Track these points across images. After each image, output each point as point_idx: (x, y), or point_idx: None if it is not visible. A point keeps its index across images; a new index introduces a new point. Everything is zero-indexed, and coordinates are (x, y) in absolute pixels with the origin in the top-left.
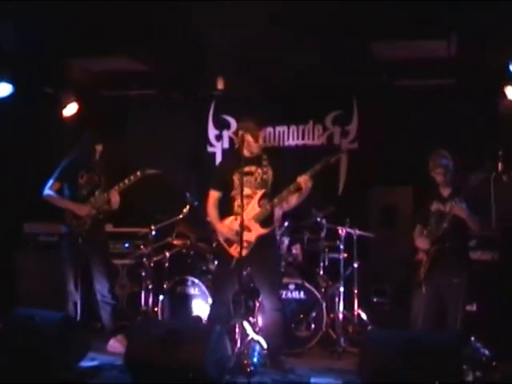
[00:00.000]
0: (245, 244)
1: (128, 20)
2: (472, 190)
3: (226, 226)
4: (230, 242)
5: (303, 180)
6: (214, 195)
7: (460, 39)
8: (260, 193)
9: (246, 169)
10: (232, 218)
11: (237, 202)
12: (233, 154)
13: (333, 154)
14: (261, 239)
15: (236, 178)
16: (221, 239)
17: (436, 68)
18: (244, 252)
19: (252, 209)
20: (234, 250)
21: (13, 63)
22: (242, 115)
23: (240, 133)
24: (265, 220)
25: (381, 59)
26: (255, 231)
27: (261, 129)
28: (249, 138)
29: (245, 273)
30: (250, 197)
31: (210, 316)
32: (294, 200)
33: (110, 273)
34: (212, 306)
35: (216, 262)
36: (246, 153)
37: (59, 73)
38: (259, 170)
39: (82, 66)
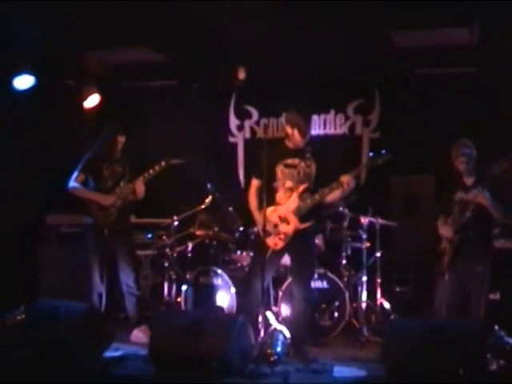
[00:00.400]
0: (282, 236)
1: (148, 10)
2: (495, 179)
3: (264, 218)
4: (266, 233)
5: (346, 180)
6: (255, 184)
7: (482, 27)
8: (302, 187)
9: (290, 161)
10: (271, 208)
11: (279, 194)
12: (278, 145)
13: (380, 156)
14: (298, 233)
15: (279, 169)
16: (258, 229)
17: (458, 56)
18: (280, 244)
19: (292, 202)
20: (270, 241)
21: (34, 55)
22: (289, 109)
23: (288, 127)
24: (304, 214)
25: (403, 47)
26: (293, 224)
27: (308, 123)
28: (295, 132)
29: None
30: (291, 190)
31: (239, 305)
32: (335, 196)
33: (135, 263)
34: (242, 296)
35: (239, 253)
36: (290, 145)
37: (80, 65)
38: (302, 163)
39: (103, 58)
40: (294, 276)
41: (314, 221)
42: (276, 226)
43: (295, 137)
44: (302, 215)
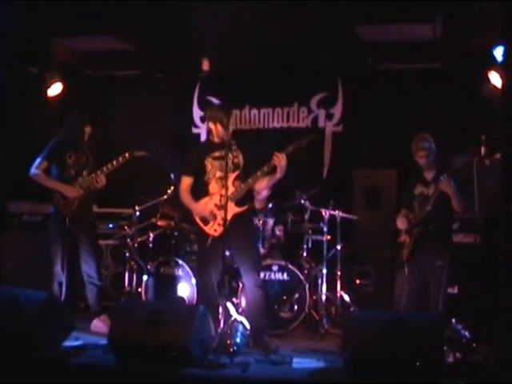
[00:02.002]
0: (220, 222)
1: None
2: (455, 172)
3: (201, 205)
4: (205, 221)
5: (277, 158)
6: (186, 181)
7: (445, 23)
8: (233, 175)
9: (217, 154)
10: (206, 198)
11: (211, 185)
12: (203, 140)
13: (304, 137)
14: (236, 218)
15: (208, 163)
16: (196, 219)
17: (421, 52)
18: (219, 230)
19: (226, 189)
20: (209, 229)
21: None
22: (210, 106)
23: (210, 123)
24: (240, 199)
25: (366, 42)
26: (230, 210)
27: (230, 116)
28: (218, 127)
29: (228, 253)
30: (223, 179)
31: (197, 296)
32: (267, 180)
33: (97, 253)
34: (198, 287)
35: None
36: (216, 139)
37: (44, 52)
38: (230, 155)
39: (68, 46)
40: (240, 264)
41: (250, 204)
42: (213, 213)
43: (219, 131)
44: (237, 200)
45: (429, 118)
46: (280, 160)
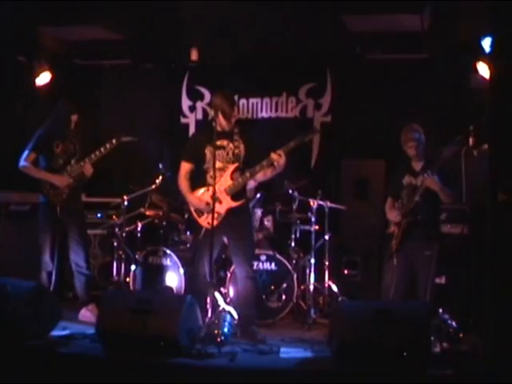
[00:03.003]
0: (215, 215)
1: None
2: (443, 163)
3: (197, 197)
4: (199, 213)
5: (277, 156)
6: (185, 167)
7: (433, 13)
8: (232, 167)
9: (218, 143)
10: (203, 189)
11: (209, 175)
12: (205, 127)
13: (307, 133)
14: (231, 211)
15: (208, 151)
16: (191, 210)
17: (409, 42)
18: (214, 223)
19: (224, 181)
20: (203, 221)
21: None
22: (216, 90)
23: (213, 110)
24: (236, 193)
25: (354, 32)
26: (226, 203)
27: (234, 107)
28: (220, 115)
29: (219, 242)
30: (222, 170)
31: (186, 287)
32: (266, 175)
33: (86, 243)
34: (189, 277)
35: (188, 233)
36: (218, 127)
37: (33, 41)
38: (231, 145)
39: (56, 35)
40: (233, 255)
41: (246, 198)
42: (208, 205)
43: (220, 120)
44: (233, 194)
45: (417, 109)
46: (279, 158)
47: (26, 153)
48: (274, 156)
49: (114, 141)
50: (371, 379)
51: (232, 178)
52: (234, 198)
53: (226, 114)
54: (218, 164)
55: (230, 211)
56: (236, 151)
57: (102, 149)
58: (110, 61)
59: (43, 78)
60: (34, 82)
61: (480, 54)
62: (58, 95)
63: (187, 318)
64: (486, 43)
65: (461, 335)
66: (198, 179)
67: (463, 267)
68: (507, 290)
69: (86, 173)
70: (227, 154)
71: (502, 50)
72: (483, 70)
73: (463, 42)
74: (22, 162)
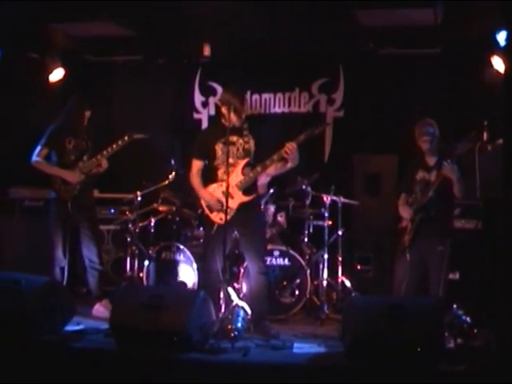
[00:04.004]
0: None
1: None
2: (457, 159)
3: (209, 193)
4: (211, 209)
5: (287, 149)
6: (196, 164)
7: (446, 8)
8: (243, 162)
9: (228, 139)
10: (215, 184)
11: (220, 171)
12: (214, 124)
13: (317, 125)
14: (243, 206)
15: (218, 147)
16: (203, 205)
17: (422, 36)
18: (225, 218)
19: (235, 176)
20: (215, 217)
21: None
22: (225, 87)
23: (223, 108)
24: (247, 188)
25: (367, 27)
26: (237, 198)
27: (244, 104)
28: (230, 111)
29: (231, 237)
30: (232, 166)
31: (199, 282)
32: (277, 168)
33: (98, 238)
34: (202, 273)
35: (201, 229)
36: (228, 124)
37: (45, 38)
38: (241, 140)
39: (68, 32)
40: (245, 251)
41: (257, 192)
42: (220, 201)
43: (231, 116)
44: (245, 188)
45: (430, 104)
46: (290, 151)
47: (38, 148)
48: (285, 149)
49: (125, 138)
50: (384, 375)
51: (243, 173)
52: (245, 192)
53: (236, 110)
54: (229, 160)
55: (241, 206)
56: (246, 146)
57: (114, 145)
58: (122, 57)
59: (56, 75)
60: (47, 79)
61: (494, 48)
62: (70, 91)
63: (200, 314)
64: (501, 37)
65: (475, 331)
66: (209, 175)
67: (477, 263)
68: None
69: (102, 168)
70: (237, 149)
71: None
72: (498, 63)
73: (477, 36)
74: (34, 158)
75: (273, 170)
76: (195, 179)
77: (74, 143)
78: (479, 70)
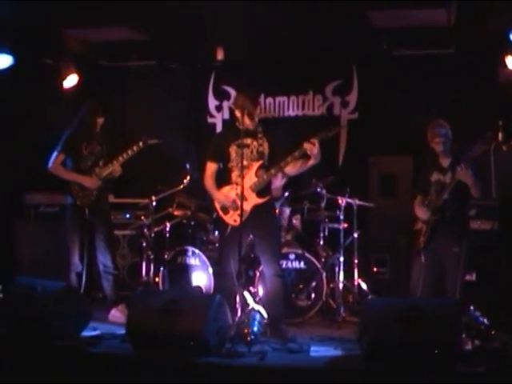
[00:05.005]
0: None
1: None
2: (473, 160)
3: (223, 194)
4: (225, 211)
5: (310, 145)
6: (210, 167)
7: (459, 8)
8: (257, 164)
9: (242, 141)
10: (229, 187)
11: (234, 173)
12: (229, 127)
13: (331, 127)
14: (257, 208)
15: (233, 150)
16: (217, 207)
17: (436, 37)
18: (239, 220)
19: (249, 179)
20: (229, 219)
21: (12, 35)
22: (239, 91)
23: (237, 111)
24: (261, 190)
25: (380, 28)
26: (251, 201)
27: (257, 106)
28: (243, 114)
29: (247, 240)
30: (246, 168)
31: (216, 285)
32: (299, 167)
33: (112, 243)
34: (217, 276)
35: (216, 233)
36: (241, 126)
37: (59, 44)
38: (255, 143)
39: (81, 37)
40: (260, 253)
41: (271, 194)
42: (235, 202)
43: (244, 119)
44: (259, 190)
45: (444, 104)
46: (312, 147)
47: (54, 154)
48: (307, 145)
49: (140, 143)
50: (401, 377)
51: (257, 175)
52: (259, 194)
53: (249, 112)
54: (243, 162)
55: (255, 208)
56: (260, 149)
57: (128, 151)
58: (136, 62)
59: (70, 81)
60: (61, 85)
61: (508, 48)
62: (84, 97)
63: (216, 318)
64: None
65: (492, 332)
66: (222, 177)
67: (493, 263)
68: None
69: (115, 173)
70: (251, 152)
71: None
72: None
73: (491, 36)
74: (50, 164)
75: (294, 168)
76: (209, 181)
77: (89, 149)
78: (493, 70)
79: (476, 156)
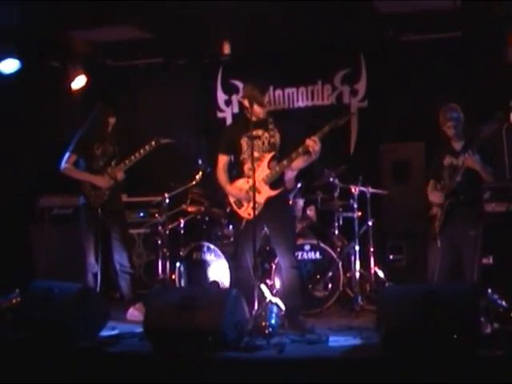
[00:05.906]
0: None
1: None
2: (484, 141)
3: (236, 187)
4: (239, 204)
5: (312, 142)
6: (222, 159)
7: None
8: (269, 156)
9: (254, 133)
10: (242, 180)
11: (247, 165)
12: (240, 119)
13: (342, 116)
14: (270, 200)
15: (244, 142)
16: (231, 201)
17: (442, 21)
18: (253, 214)
19: (262, 171)
20: (243, 212)
21: (19, 39)
22: (246, 82)
23: (245, 101)
24: (274, 182)
25: (385, 14)
26: (264, 193)
27: (265, 94)
28: (254, 105)
29: (262, 233)
30: (259, 160)
31: (231, 280)
32: (302, 162)
33: (128, 242)
34: (233, 270)
35: (231, 227)
36: (252, 117)
37: (65, 46)
38: (266, 134)
39: (87, 37)
40: (276, 245)
41: (284, 186)
42: (249, 194)
43: (254, 109)
44: (272, 182)
45: (454, 88)
46: (314, 144)
47: (66, 155)
48: (309, 142)
49: (152, 143)
50: (421, 363)
51: (269, 167)
52: (272, 186)
53: (258, 100)
54: (255, 154)
55: (268, 200)
56: (272, 140)
57: (141, 151)
58: (143, 60)
59: (78, 82)
60: (70, 87)
61: None
62: (93, 98)
63: (233, 312)
64: None
65: (511, 315)
66: (235, 170)
67: (510, 246)
68: None
69: (118, 179)
70: (263, 143)
71: None
72: None
73: (497, 16)
74: (63, 165)
75: (301, 162)
76: (222, 175)
77: (101, 149)
78: (501, 50)
79: (487, 136)
